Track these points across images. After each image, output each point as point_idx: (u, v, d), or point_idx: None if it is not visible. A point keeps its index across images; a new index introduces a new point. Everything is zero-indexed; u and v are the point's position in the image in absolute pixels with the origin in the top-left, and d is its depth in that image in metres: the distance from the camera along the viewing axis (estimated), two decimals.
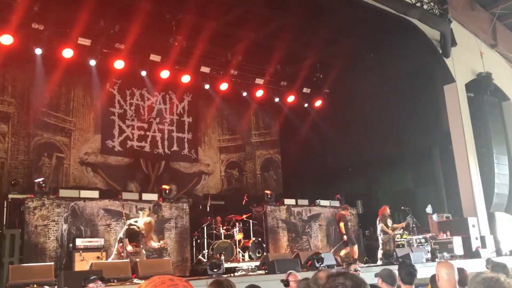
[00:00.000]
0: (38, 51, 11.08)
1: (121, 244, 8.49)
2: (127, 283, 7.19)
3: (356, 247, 11.82)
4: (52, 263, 8.06)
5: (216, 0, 11.52)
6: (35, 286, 6.79)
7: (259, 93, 15.01)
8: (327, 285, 2.20)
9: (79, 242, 9.21)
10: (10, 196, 9.90)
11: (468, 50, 13.99)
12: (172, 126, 15.17)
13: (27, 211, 9.08)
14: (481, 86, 13.81)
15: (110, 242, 9.77)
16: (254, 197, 14.65)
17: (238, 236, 11.65)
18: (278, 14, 12.30)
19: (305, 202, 13.25)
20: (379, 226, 11.62)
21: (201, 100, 15.98)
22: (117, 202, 10.13)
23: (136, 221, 8.78)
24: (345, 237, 11.65)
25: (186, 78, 13.40)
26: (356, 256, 11.59)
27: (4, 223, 9.53)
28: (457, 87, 13.17)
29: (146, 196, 10.88)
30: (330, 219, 13.39)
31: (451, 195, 13.01)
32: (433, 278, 4.34)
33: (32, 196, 9.31)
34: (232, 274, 8.81)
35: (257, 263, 10.10)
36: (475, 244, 11.65)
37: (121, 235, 8.57)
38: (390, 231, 11.47)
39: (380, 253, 11.30)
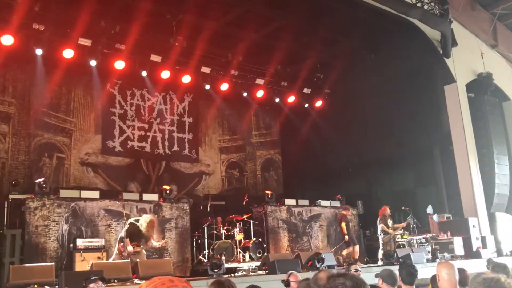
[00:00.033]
0: (39, 52, 11.09)
1: (122, 243, 8.49)
2: (128, 284, 7.19)
3: (357, 247, 11.83)
4: (53, 263, 8.06)
5: (217, 0, 11.52)
6: (35, 286, 6.79)
7: (260, 93, 15.02)
8: (327, 285, 2.20)
9: (80, 242, 9.22)
10: (10, 196, 9.91)
11: (469, 51, 13.98)
12: (173, 127, 15.17)
13: (28, 211, 9.08)
14: (481, 86, 13.80)
15: (111, 242, 9.77)
16: (254, 198, 14.65)
17: (239, 236, 11.65)
18: (278, 14, 12.30)
19: (306, 202, 13.25)
20: (380, 226, 11.62)
21: (201, 101, 15.98)
22: (117, 202, 10.14)
23: (137, 220, 8.78)
24: (346, 237, 11.66)
25: (186, 79, 13.41)
26: (356, 256, 11.60)
27: (5, 223, 9.53)
28: (457, 88, 13.16)
29: (146, 197, 10.88)
30: (331, 220, 13.39)
31: (452, 196, 13.00)
32: (433, 279, 4.34)
33: (33, 196, 9.31)
34: (232, 275, 8.81)
35: (258, 263, 10.10)
36: (475, 244, 11.64)
37: (122, 234, 8.56)
38: (391, 231, 11.48)
39: (380, 253, 11.30)
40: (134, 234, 8.59)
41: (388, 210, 11.75)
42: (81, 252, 9.09)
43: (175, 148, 15.08)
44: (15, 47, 10.80)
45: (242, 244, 11.67)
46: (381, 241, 11.58)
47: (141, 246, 8.65)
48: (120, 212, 9.64)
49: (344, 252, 11.82)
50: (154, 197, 11.03)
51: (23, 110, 12.43)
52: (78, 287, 5.47)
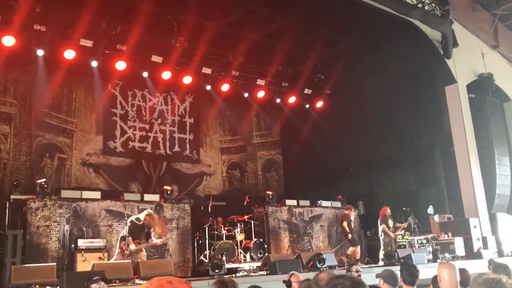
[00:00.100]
0: (40, 52, 11.12)
1: (123, 242, 8.50)
2: (129, 284, 7.20)
3: (358, 247, 11.82)
4: (54, 263, 8.07)
5: (218, 1, 11.53)
6: (37, 286, 6.81)
7: (261, 94, 15.04)
8: (327, 286, 2.24)
9: (81, 242, 9.23)
10: (12, 197, 9.92)
11: (470, 51, 13.99)
12: (174, 127, 15.19)
13: (29, 212, 9.10)
14: (482, 87, 13.80)
15: (112, 242, 9.79)
16: (255, 198, 14.66)
17: (240, 236, 11.66)
18: (279, 14, 12.31)
19: (307, 203, 13.25)
20: (381, 227, 11.62)
21: (202, 101, 15.99)
22: (119, 203, 10.15)
23: (138, 219, 8.80)
24: (350, 235, 11.61)
25: (187, 79, 13.42)
26: (358, 256, 11.59)
27: (6, 223, 9.55)
28: (458, 88, 13.16)
29: (148, 197, 10.90)
30: (332, 220, 13.40)
31: (453, 196, 13.00)
32: (434, 279, 4.34)
33: (34, 197, 9.33)
34: (233, 275, 8.81)
35: (259, 263, 10.11)
36: (476, 245, 11.65)
37: (124, 232, 8.57)
38: (391, 234, 11.46)
39: (381, 253, 11.30)
40: (136, 232, 8.62)
41: (389, 211, 11.75)
42: (83, 252, 9.10)
43: (176, 148, 15.09)
44: (17, 48, 10.83)
45: (243, 245, 11.68)
46: (382, 242, 11.58)
47: (143, 241, 8.67)
48: (122, 213, 9.65)
49: (349, 252, 11.80)
50: (155, 197, 11.05)
51: (24, 111, 12.45)
52: None
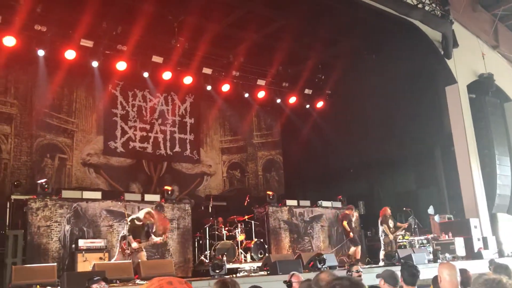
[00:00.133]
0: (41, 53, 11.13)
1: (124, 241, 8.50)
2: (130, 284, 7.21)
3: (359, 247, 11.79)
4: (55, 264, 8.10)
5: (218, 1, 11.53)
6: (38, 287, 6.82)
7: (261, 94, 15.05)
8: (327, 287, 2.26)
9: (82, 243, 9.23)
10: (13, 197, 9.94)
11: (470, 51, 13.99)
12: (174, 127, 15.20)
13: (30, 212, 9.11)
14: (483, 87, 13.80)
15: (113, 243, 9.80)
16: (256, 198, 14.66)
17: (240, 237, 11.66)
18: (279, 15, 12.32)
19: (307, 203, 13.25)
20: (381, 227, 11.61)
21: (203, 101, 16.00)
22: (119, 203, 10.16)
23: (137, 217, 8.81)
24: (351, 234, 11.59)
25: (188, 80, 13.44)
26: (358, 256, 11.59)
27: (7, 224, 9.57)
28: (458, 88, 13.16)
29: (148, 197, 10.91)
30: (332, 220, 13.40)
31: (453, 196, 13.00)
32: (435, 279, 4.34)
33: (35, 197, 9.34)
34: (234, 275, 8.82)
35: (259, 264, 10.12)
36: (477, 245, 11.65)
37: (124, 232, 8.57)
38: (391, 235, 11.44)
39: (382, 254, 11.30)
40: (136, 231, 8.62)
41: (389, 211, 11.74)
42: (83, 252, 9.11)
43: (177, 149, 15.10)
44: (17, 48, 10.84)
45: (243, 245, 11.68)
46: (382, 242, 11.58)
47: (143, 243, 8.67)
48: (122, 213, 9.65)
49: (350, 252, 11.78)
50: (156, 197, 11.06)
51: (25, 111, 12.46)
52: None
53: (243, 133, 16.93)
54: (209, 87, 13.89)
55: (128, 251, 8.32)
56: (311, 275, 4.13)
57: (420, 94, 13.56)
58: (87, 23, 10.83)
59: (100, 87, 13.53)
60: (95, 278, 5.35)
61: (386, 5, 11.40)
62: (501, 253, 12.14)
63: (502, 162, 13.63)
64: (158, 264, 8.79)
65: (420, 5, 11.93)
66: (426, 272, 6.24)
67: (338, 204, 13.62)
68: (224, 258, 8.96)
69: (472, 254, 11.30)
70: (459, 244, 11.48)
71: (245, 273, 9.08)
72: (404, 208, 12.51)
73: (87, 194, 10.19)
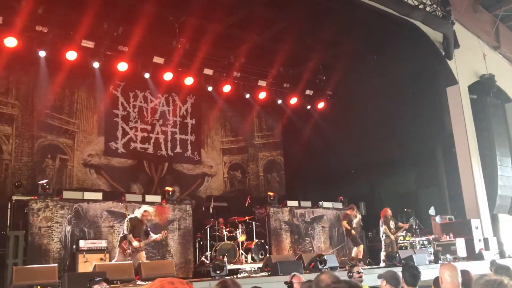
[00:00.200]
0: (42, 54, 11.16)
1: (124, 241, 8.50)
2: (130, 285, 7.21)
3: (361, 247, 11.70)
4: (56, 264, 8.11)
5: (219, 2, 11.54)
6: (38, 287, 6.82)
7: (262, 95, 15.06)
8: None
9: (83, 243, 9.24)
10: (14, 197, 9.96)
11: (471, 52, 13.97)
12: (175, 128, 15.20)
13: (31, 213, 9.11)
14: (484, 88, 13.79)
15: (114, 243, 9.79)
16: (257, 199, 14.65)
17: (241, 237, 11.67)
18: (280, 16, 12.32)
19: (308, 204, 13.25)
20: (382, 228, 11.60)
21: (204, 102, 16.00)
22: (120, 203, 10.18)
23: (135, 217, 8.80)
24: (353, 231, 11.53)
25: (189, 80, 13.46)
26: (360, 256, 11.52)
27: (8, 224, 9.58)
28: (460, 89, 13.16)
29: (149, 198, 10.90)
30: (333, 221, 13.40)
31: (454, 197, 12.99)
32: (436, 280, 4.34)
33: (36, 197, 9.35)
34: (235, 276, 8.82)
35: (260, 264, 10.12)
36: (478, 246, 11.63)
37: (124, 231, 8.56)
38: (392, 236, 11.42)
39: (383, 255, 11.28)
40: (135, 230, 8.61)
41: (390, 212, 11.72)
42: (84, 253, 9.12)
43: (178, 149, 15.10)
44: (19, 49, 10.86)
45: (244, 246, 11.68)
46: (383, 243, 11.56)
47: (143, 241, 8.67)
48: (123, 214, 9.66)
49: (353, 253, 11.73)
50: (157, 198, 11.06)
51: (26, 112, 12.48)
52: None
53: (244, 134, 16.93)
54: (210, 88, 13.90)
55: (129, 251, 8.31)
56: (312, 276, 4.12)
57: (421, 95, 13.55)
58: (88, 24, 10.85)
59: (101, 88, 13.55)
60: (96, 279, 5.36)
61: (387, 6, 11.40)
62: (502, 254, 12.11)
63: (503, 163, 13.61)
64: (159, 265, 8.79)
65: (421, 6, 11.92)
66: (427, 273, 6.24)
67: (339, 205, 13.61)
68: (225, 259, 8.96)
69: (473, 255, 11.28)
70: (460, 245, 11.47)
71: (246, 274, 9.08)
72: (405, 209, 12.50)
73: (88, 195, 10.20)
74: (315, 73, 15.12)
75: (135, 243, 8.41)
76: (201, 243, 11.59)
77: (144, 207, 9.04)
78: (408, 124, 13.70)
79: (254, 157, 17.06)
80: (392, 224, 11.59)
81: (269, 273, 8.48)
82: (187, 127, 15.51)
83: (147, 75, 12.71)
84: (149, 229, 8.98)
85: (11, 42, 10.52)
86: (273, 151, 17.53)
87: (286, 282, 5.02)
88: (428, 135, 13.53)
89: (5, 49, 10.76)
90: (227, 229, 11.74)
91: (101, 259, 9.18)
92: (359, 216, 12.07)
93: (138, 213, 8.86)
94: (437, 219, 12.44)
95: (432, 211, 12.67)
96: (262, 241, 11.87)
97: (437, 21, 12.51)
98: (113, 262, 8.72)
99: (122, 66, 12.21)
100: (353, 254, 11.74)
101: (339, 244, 12.98)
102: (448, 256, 10.80)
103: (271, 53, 13.84)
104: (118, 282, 7.17)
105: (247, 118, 16.95)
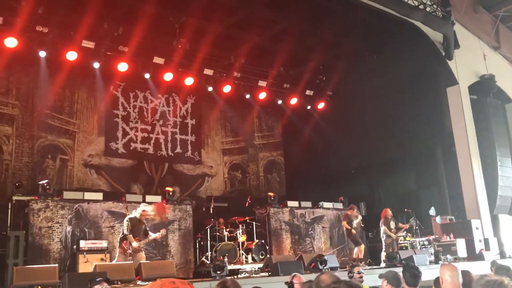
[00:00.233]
0: (42, 54, 11.17)
1: (124, 241, 8.50)
2: (131, 285, 7.21)
3: (362, 246, 11.67)
4: (56, 264, 8.10)
5: (219, 2, 11.55)
6: (39, 287, 6.82)
7: (262, 95, 15.06)
8: None
9: (83, 244, 9.24)
10: (14, 198, 9.96)
11: (471, 52, 13.97)
12: (176, 128, 15.21)
13: (31, 213, 9.12)
14: (484, 88, 13.79)
15: (114, 244, 9.79)
16: (257, 199, 14.65)
17: (241, 238, 11.66)
18: (280, 16, 12.33)
19: (308, 204, 13.25)
20: (382, 228, 11.60)
21: (204, 103, 16.01)
22: (121, 204, 10.18)
23: (134, 217, 8.80)
24: (353, 230, 11.52)
25: (189, 81, 13.46)
26: (362, 256, 11.50)
27: (9, 224, 9.59)
28: (460, 89, 13.15)
29: (149, 198, 10.89)
30: (333, 221, 13.39)
31: (454, 197, 12.98)
32: (437, 281, 4.34)
33: (36, 198, 9.35)
34: (235, 276, 8.82)
35: (260, 265, 10.12)
36: (478, 246, 11.63)
37: (125, 231, 8.56)
38: (393, 235, 11.42)
39: (383, 255, 11.28)
40: (135, 230, 8.62)
41: (390, 212, 11.72)
42: (84, 253, 9.12)
43: (178, 150, 15.11)
44: (19, 49, 10.87)
45: (244, 246, 11.68)
46: (384, 243, 11.56)
47: (142, 241, 8.67)
48: (123, 214, 9.65)
49: (355, 255, 11.70)
50: (157, 198, 11.05)
51: (26, 112, 12.48)
52: None
53: (244, 134, 16.94)
54: (210, 88, 13.91)
55: (130, 251, 8.32)
56: (313, 276, 4.12)
57: (421, 95, 13.55)
58: (88, 24, 10.85)
59: (101, 88, 13.56)
60: (97, 279, 5.36)
61: (387, 6, 11.41)
62: (502, 255, 12.11)
63: (504, 163, 13.61)
64: (159, 265, 8.79)
65: (421, 6, 11.93)
66: (428, 273, 6.24)
67: (339, 205, 13.61)
68: (226, 259, 8.97)
69: (473, 256, 11.28)
70: (460, 245, 11.47)
71: (247, 274, 9.08)
72: (406, 209, 12.50)
73: (88, 195, 10.20)
74: (315, 74, 15.12)
75: (135, 243, 8.41)
76: (202, 243, 11.59)
77: (142, 206, 9.03)
78: (408, 124, 13.70)
79: (254, 157, 17.07)
80: (392, 224, 11.59)
81: (270, 273, 8.49)
82: (187, 127, 15.52)
83: (147, 76, 12.72)
84: (148, 228, 8.99)
85: (11, 42, 10.53)
86: (273, 152, 17.53)
87: (286, 283, 5.03)
88: (428, 135, 13.53)
89: (5, 50, 10.77)
90: (228, 230, 11.74)
91: (102, 259, 9.18)
92: (359, 217, 12.04)
93: (137, 213, 8.85)
94: (438, 219, 12.44)
95: (432, 211, 12.67)
96: (263, 241, 11.86)
97: (437, 22, 12.51)
98: (113, 262, 8.72)
99: (123, 67, 12.22)
100: (354, 256, 11.71)
101: (339, 244, 12.98)
102: (449, 256, 10.81)
103: (271, 53, 13.84)
104: (119, 282, 7.17)
105: (247, 118, 16.96)
